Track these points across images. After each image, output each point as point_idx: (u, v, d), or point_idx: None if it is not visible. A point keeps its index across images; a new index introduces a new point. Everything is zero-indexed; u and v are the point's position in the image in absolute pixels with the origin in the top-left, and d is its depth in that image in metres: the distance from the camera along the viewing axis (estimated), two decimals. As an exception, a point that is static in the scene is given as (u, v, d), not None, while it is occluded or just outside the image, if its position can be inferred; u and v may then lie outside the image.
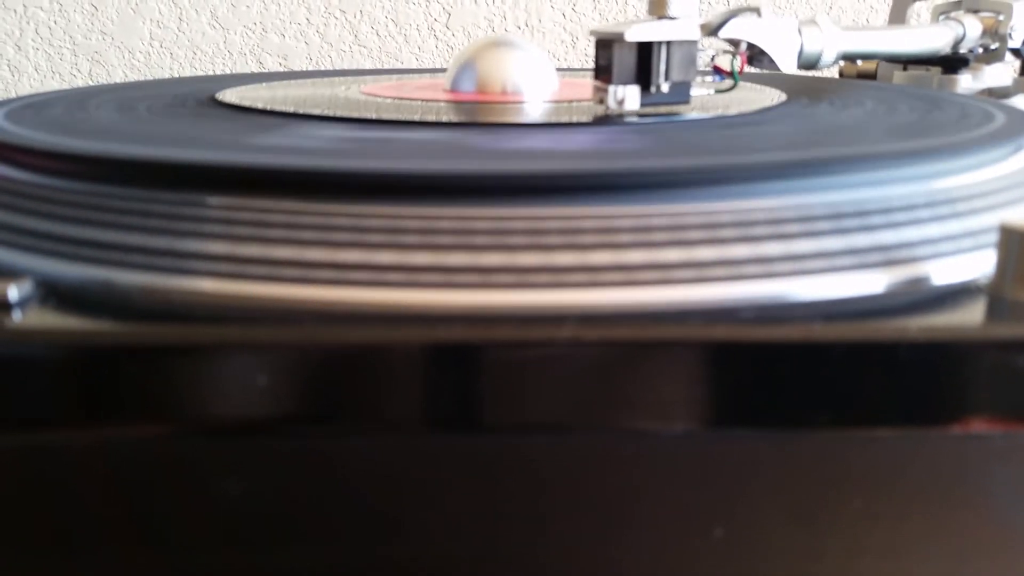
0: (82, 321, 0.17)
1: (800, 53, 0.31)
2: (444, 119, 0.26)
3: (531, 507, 0.17)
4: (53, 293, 0.18)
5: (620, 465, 0.17)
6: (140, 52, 0.61)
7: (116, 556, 0.18)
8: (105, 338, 0.16)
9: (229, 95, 0.31)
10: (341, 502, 0.17)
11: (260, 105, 0.29)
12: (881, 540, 0.18)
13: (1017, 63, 0.38)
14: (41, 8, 0.60)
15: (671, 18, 0.26)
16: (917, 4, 0.42)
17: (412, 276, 0.17)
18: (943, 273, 0.18)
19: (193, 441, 0.17)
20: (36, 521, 0.18)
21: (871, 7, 0.61)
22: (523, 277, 0.17)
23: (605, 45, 0.26)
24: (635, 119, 0.26)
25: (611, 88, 0.26)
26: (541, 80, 0.31)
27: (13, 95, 0.62)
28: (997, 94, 0.37)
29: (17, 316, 0.17)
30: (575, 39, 0.61)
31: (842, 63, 0.40)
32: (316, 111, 0.27)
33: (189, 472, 0.17)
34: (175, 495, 0.17)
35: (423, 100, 0.30)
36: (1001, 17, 0.36)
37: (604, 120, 0.26)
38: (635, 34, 0.25)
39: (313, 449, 0.17)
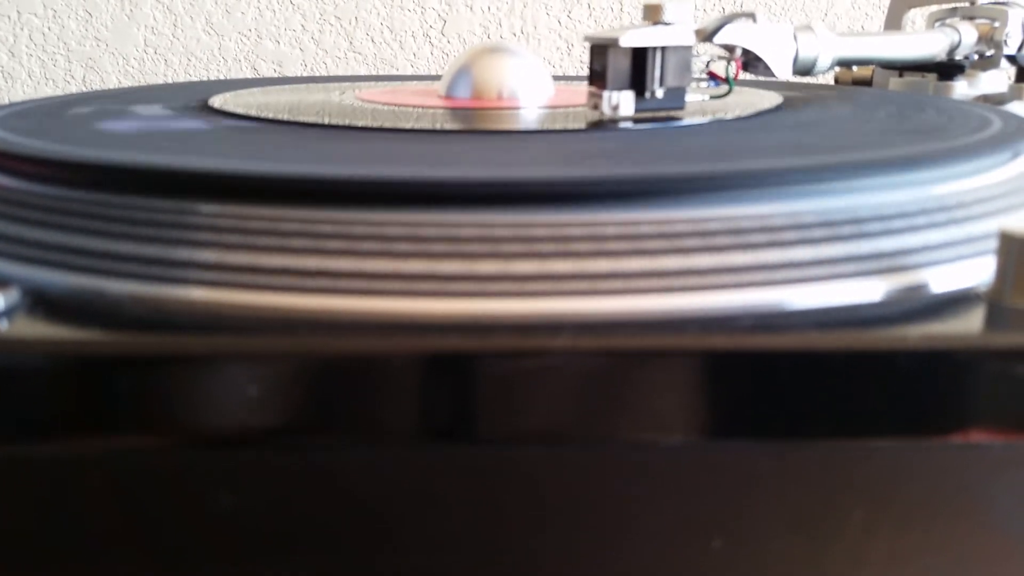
0: (71, 330, 0.17)
1: (795, 59, 0.31)
2: (439, 126, 0.26)
3: (528, 519, 0.17)
4: (41, 302, 0.17)
5: (618, 476, 0.17)
6: (134, 58, 0.61)
7: (102, 571, 0.18)
8: (94, 348, 0.16)
9: (221, 100, 0.31)
10: (336, 514, 0.17)
11: (253, 112, 0.28)
12: (881, 551, 0.17)
13: (1012, 70, 0.38)
14: (35, 14, 0.60)
15: (666, 24, 0.25)
16: (912, 11, 0.42)
17: (406, 284, 0.17)
18: (941, 280, 0.18)
19: (184, 453, 0.17)
20: (22, 535, 0.17)
21: (866, 14, 0.61)
22: (518, 285, 0.17)
23: (600, 50, 0.26)
24: (629, 124, 0.26)
25: (606, 94, 0.26)
26: (537, 86, 0.31)
27: (6, 101, 0.61)
28: (993, 100, 0.37)
29: (3, 325, 0.16)
30: (570, 46, 0.61)
31: (837, 69, 0.40)
32: (311, 118, 0.27)
33: (180, 484, 0.17)
34: (165, 507, 0.17)
35: (418, 107, 0.30)
36: (996, 24, 0.36)
37: (598, 126, 0.26)
38: (630, 39, 0.25)
39: (307, 461, 0.17)
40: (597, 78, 0.26)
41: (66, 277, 0.18)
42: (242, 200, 0.18)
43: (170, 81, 0.61)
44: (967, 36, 0.36)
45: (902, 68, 0.39)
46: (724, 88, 0.29)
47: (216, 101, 0.31)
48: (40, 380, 0.16)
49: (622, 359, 0.16)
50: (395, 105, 0.30)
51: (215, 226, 0.18)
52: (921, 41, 0.35)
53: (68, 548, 0.17)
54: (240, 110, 0.29)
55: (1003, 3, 0.37)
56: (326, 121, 0.26)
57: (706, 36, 0.27)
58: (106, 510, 0.17)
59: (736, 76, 0.29)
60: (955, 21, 0.37)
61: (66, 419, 0.16)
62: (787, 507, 0.17)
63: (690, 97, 0.27)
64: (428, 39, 0.61)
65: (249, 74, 0.61)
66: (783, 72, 0.30)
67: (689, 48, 0.26)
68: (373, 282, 0.17)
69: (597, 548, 0.17)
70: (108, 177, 0.20)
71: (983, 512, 0.17)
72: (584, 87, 0.28)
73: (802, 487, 0.17)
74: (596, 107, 0.26)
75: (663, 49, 0.26)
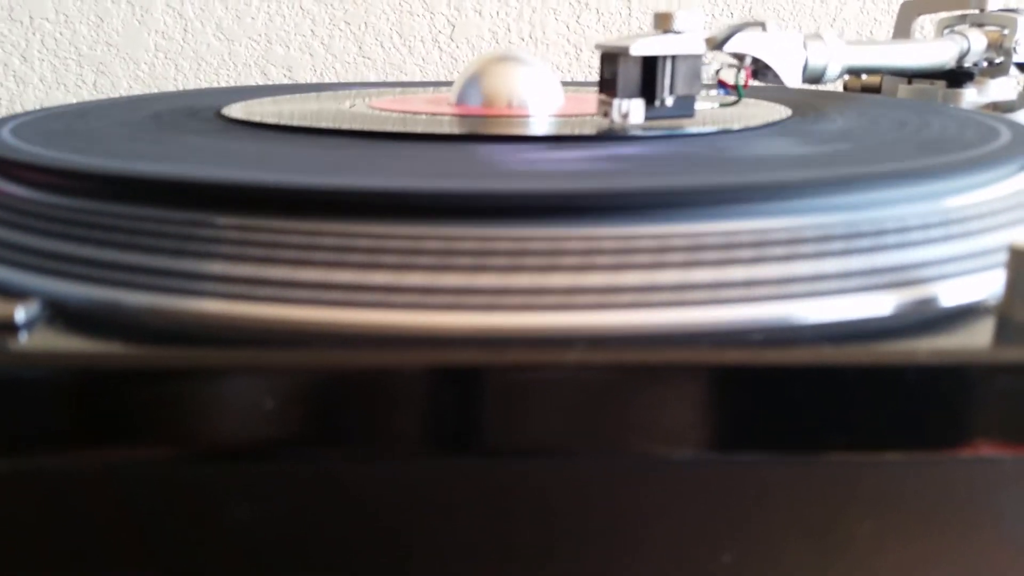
0: (89, 343, 0.17)
1: (805, 67, 0.31)
2: (449, 132, 0.26)
3: (539, 532, 0.17)
4: (60, 314, 0.17)
5: (628, 490, 0.17)
6: (145, 63, 0.61)
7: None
8: (112, 361, 0.16)
9: (235, 110, 0.31)
10: (348, 527, 0.17)
11: (269, 120, 0.29)
12: (890, 564, 0.17)
13: (1022, 77, 0.38)
14: (47, 19, 0.60)
15: (676, 32, 0.26)
16: (921, 17, 0.42)
17: (420, 298, 0.17)
18: (951, 294, 0.18)
19: (200, 465, 0.17)
20: (40, 546, 0.18)
21: (875, 19, 0.61)
22: (530, 299, 0.17)
23: (610, 59, 0.26)
24: (639, 132, 0.26)
25: (616, 101, 0.26)
26: (547, 95, 0.31)
27: (18, 106, 0.62)
28: (1002, 108, 0.37)
29: (24, 338, 0.16)
30: (579, 51, 0.61)
31: (846, 77, 0.40)
32: (325, 125, 0.27)
33: (196, 496, 0.17)
34: (181, 519, 0.17)
35: (429, 114, 0.30)
36: (1006, 31, 0.36)
37: (608, 134, 0.26)
38: (640, 48, 0.25)
39: (321, 473, 0.17)
40: (607, 86, 0.26)
41: (84, 289, 0.18)
42: (259, 212, 0.19)
43: (180, 86, 0.61)
44: (976, 43, 0.36)
45: (911, 76, 0.39)
46: (733, 97, 0.29)
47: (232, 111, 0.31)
48: (58, 392, 0.16)
49: (634, 373, 0.16)
50: (407, 113, 0.30)
51: (231, 239, 0.18)
52: (931, 49, 0.35)
53: (86, 560, 0.18)
54: (254, 119, 0.29)
55: (1012, 10, 0.37)
56: (336, 127, 0.27)
57: (716, 45, 0.27)
58: (120, 523, 0.17)
59: (746, 84, 0.29)
60: (964, 28, 0.37)
61: (83, 432, 0.16)
62: (797, 521, 0.17)
63: (699, 105, 0.27)
64: (437, 44, 0.61)
65: (259, 79, 0.61)
66: (793, 81, 0.30)
67: (699, 57, 0.26)
68: (387, 295, 0.17)
69: (608, 562, 0.17)
70: (125, 188, 0.20)
71: (992, 526, 0.17)
72: (593, 93, 0.28)
73: (811, 500, 0.17)
74: (606, 115, 0.26)
75: (673, 58, 0.26)
